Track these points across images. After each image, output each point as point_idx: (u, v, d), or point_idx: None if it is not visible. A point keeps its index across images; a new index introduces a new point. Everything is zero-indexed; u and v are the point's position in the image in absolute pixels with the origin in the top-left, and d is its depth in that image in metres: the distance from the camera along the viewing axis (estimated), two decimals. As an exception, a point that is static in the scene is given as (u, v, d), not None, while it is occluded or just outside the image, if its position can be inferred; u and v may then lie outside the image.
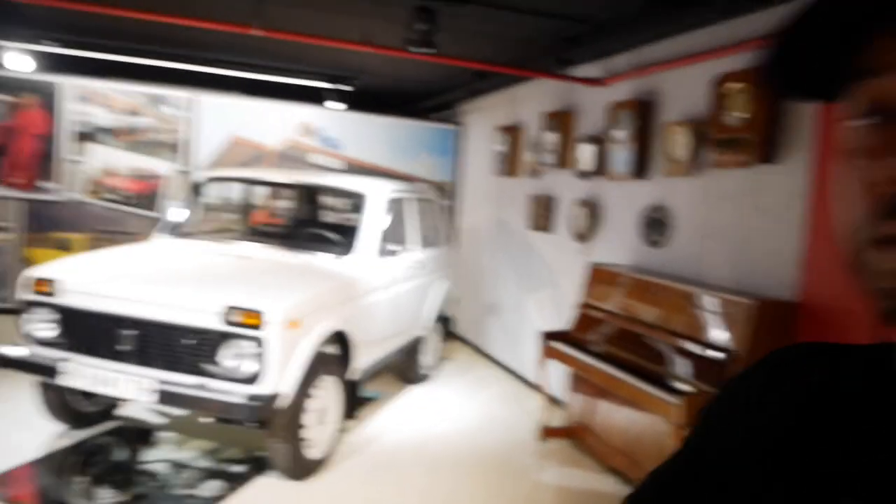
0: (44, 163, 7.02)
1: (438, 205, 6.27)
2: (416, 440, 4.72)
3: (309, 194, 6.27)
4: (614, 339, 4.26)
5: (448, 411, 5.40)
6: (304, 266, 4.38)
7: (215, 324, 3.49)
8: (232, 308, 3.49)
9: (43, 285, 3.77)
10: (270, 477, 3.90)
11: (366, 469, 4.17)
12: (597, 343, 4.37)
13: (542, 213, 5.97)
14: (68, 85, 7.03)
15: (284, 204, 6.83)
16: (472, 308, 7.56)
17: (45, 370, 3.65)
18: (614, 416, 4.31)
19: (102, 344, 3.65)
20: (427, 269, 5.60)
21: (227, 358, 3.49)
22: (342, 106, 7.46)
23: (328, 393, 4.11)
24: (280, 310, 3.53)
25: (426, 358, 6.04)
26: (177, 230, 4.85)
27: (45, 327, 3.77)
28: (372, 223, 4.74)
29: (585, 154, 5.15)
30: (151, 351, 3.58)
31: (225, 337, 3.48)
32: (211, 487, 3.77)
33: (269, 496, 3.75)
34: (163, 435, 4.40)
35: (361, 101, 7.75)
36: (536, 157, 6.08)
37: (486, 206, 7.45)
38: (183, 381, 3.54)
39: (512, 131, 6.62)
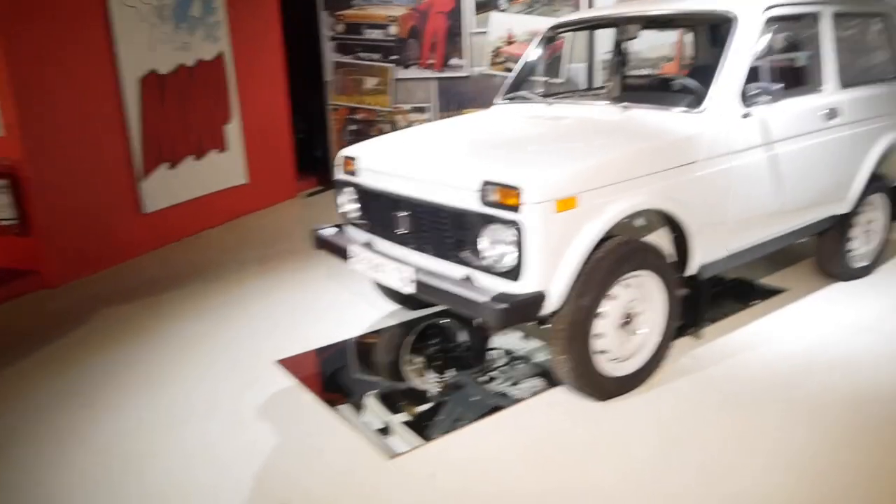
0: (452, 40, 7.08)
1: (889, 23, 4.22)
2: (793, 366, 3.35)
3: (711, 33, 4.92)
4: None
5: (872, 325, 3.75)
6: (624, 125, 3.34)
7: (474, 204, 2.84)
8: (489, 184, 2.78)
9: (349, 164, 3.64)
10: (565, 390, 3.19)
11: (693, 398, 3.09)
12: None
13: None
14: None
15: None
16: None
17: (340, 252, 3.56)
18: None
19: (389, 226, 3.36)
20: (848, 118, 3.85)
21: (487, 246, 2.84)
22: None
23: (648, 294, 3.12)
24: (542, 185, 2.68)
25: (860, 244, 4.32)
26: (517, 95, 4.22)
27: (353, 207, 3.66)
28: (737, 59, 3.34)
29: None
30: (424, 235, 3.15)
31: (485, 220, 2.81)
32: (529, 387, 3.28)
33: (550, 410, 3.06)
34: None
35: None
36: None
37: None
38: (449, 272, 3.04)
39: None
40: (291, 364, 3.64)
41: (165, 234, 5.94)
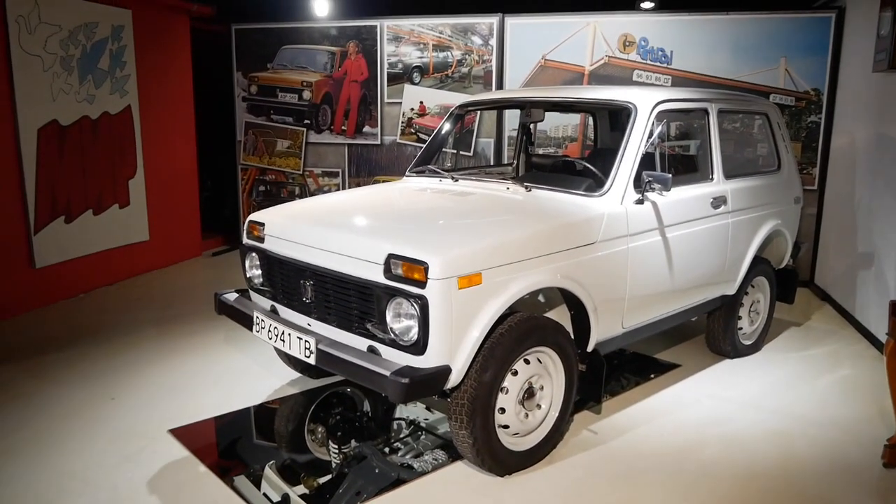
0: (365, 108, 7.20)
1: (770, 120, 4.61)
2: (687, 440, 3.49)
3: (610, 120, 5.20)
4: None
5: (758, 401, 3.95)
6: (528, 205, 3.47)
7: (379, 277, 2.85)
8: (394, 257, 2.81)
9: (255, 229, 3.59)
10: (466, 464, 3.18)
11: (593, 472, 3.15)
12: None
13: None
14: (384, 27, 7.04)
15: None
16: (841, 258, 5.64)
17: (244, 320, 3.48)
18: None
19: (294, 294, 3.32)
20: (733, 206, 4.13)
21: (391, 320, 2.84)
22: (650, 3, 6.07)
23: (548, 369, 3.19)
24: (448, 260, 2.73)
25: (746, 324, 4.58)
26: (426, 168, 4.31)
27: (257, 273, 3.60)
28: (633, 147, 3.55)
29: None
30: (329, 305, 3.13)
31: (390, 293, 2.82)
32: (432, 459, 3.23)
33: (452, 485, 3.03)
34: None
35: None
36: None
37: (861, 117, 5.39)
38: (352, 343, 3.01)
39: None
40: (184, 434, 3.48)
41: (57, 291, 5.63)
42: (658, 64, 6.43)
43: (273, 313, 3.47)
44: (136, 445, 3.34)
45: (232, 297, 3.67)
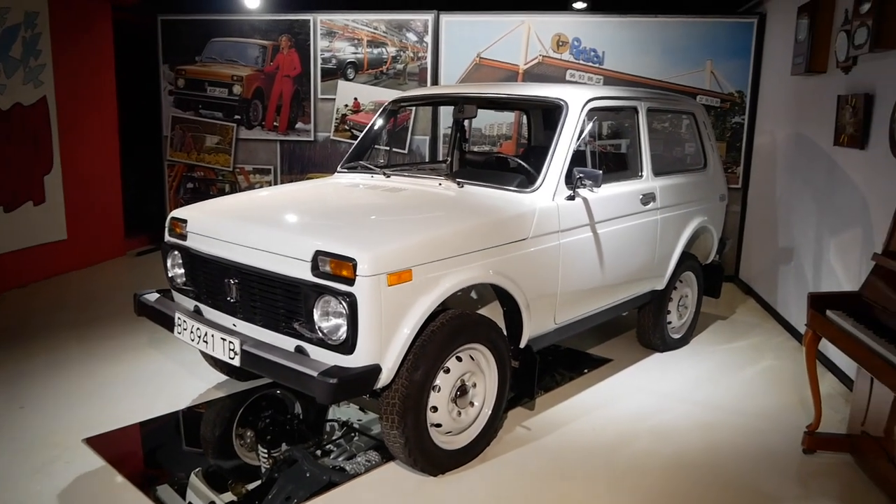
0: (298, 104, 7.05)
1: (697, 119, 4.70)
2: (618, 433, 3.51)
3: (544, 118, 5.22)
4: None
5: (686, 394, 4.03)
6: (460, 201, 3.43)
7: (306, 274, 2.77)
8: (322, 254, 2.72)
9: (178, 226, 3.44)
10: (399, 464, 3.13)
11: (527, 469, 3.14)
12: None
13: (854, 122, 4.11)
14: (318, 21, 6.91)
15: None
16: (763, 254, 5.82)
17: (165, 321, 3.33)
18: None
19: (218, 293, 3.19)
20: (662, 203, 4.20)
21: (318, 318, 2.76)
22: (583, 4, 6.14)
23: (480, 366, 3.16)
24: (377, 257, 2.66)
25: (675, 318, 4.67)
26: (358, 164, 4.22)
27: (180, 272, 3.45)
28: (564, 144, 3.56)
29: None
30: (254, 305, 3.02)
31: (317, 291, 2.74)
32: (364, 461, 3.15)
33: (384, 486, 2.97)
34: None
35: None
36: (850, 39, 4.18)
37: (781, 118, 5.57)
38: (279, 343, 2.92)
39: (818, 8, 4.69)
40: (101, 442, 3.31)
41: (-37, 294, 5.31)
42: (590, 64, 6.51)
43: (197, 314, 3.33)
44: (46, 456, 3.15)
45: (152, 297, 3.51)
